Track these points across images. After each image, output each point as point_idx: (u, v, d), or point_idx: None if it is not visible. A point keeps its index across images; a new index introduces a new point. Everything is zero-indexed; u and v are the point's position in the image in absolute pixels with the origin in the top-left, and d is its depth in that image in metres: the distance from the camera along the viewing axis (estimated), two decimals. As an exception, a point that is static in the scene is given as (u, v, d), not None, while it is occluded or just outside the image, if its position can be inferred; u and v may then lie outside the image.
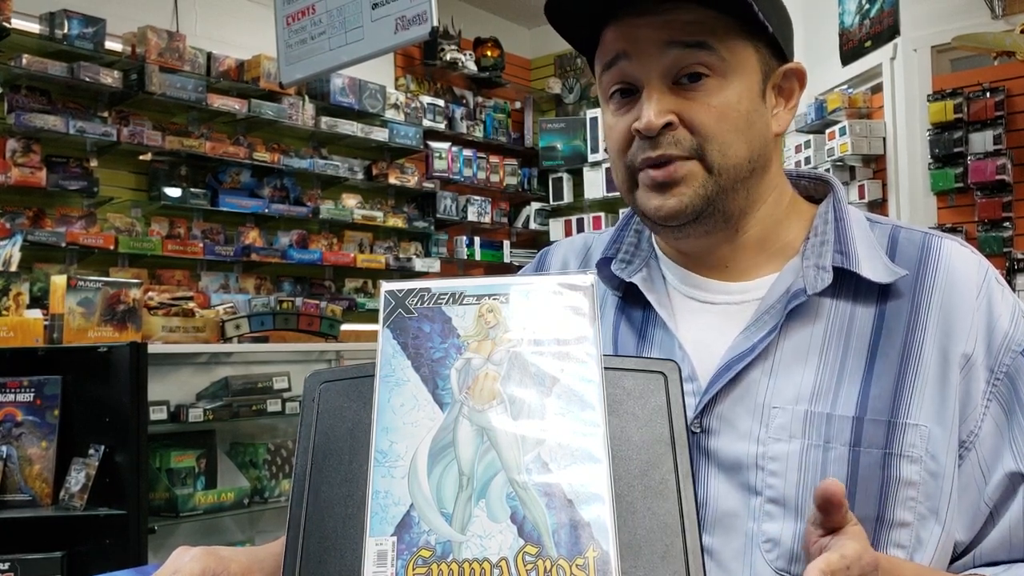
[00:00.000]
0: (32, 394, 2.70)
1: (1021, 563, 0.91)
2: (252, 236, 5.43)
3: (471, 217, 6.69)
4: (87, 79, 4.64)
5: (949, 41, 4.62)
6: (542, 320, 0.72)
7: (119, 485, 2.64)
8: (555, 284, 0.73)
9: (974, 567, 0.92)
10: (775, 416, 0.90)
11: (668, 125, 0.91)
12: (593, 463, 0.67)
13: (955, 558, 0.92)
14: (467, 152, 6.72)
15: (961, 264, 0.94)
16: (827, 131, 5.03)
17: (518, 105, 7.28)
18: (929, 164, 4.70)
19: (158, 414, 3.08)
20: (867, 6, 5.07)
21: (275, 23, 3.70)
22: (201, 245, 5.12)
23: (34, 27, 4.57)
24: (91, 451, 2.65)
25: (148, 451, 2.85)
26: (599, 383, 0.69)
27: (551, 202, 7.05)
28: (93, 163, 4.78)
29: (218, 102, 5.15)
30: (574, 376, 0.69)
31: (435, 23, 3.15)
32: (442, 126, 6.52)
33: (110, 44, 4.78)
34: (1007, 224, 4.49)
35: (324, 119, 5.70)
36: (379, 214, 6.09)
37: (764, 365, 0.91)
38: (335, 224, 5.91)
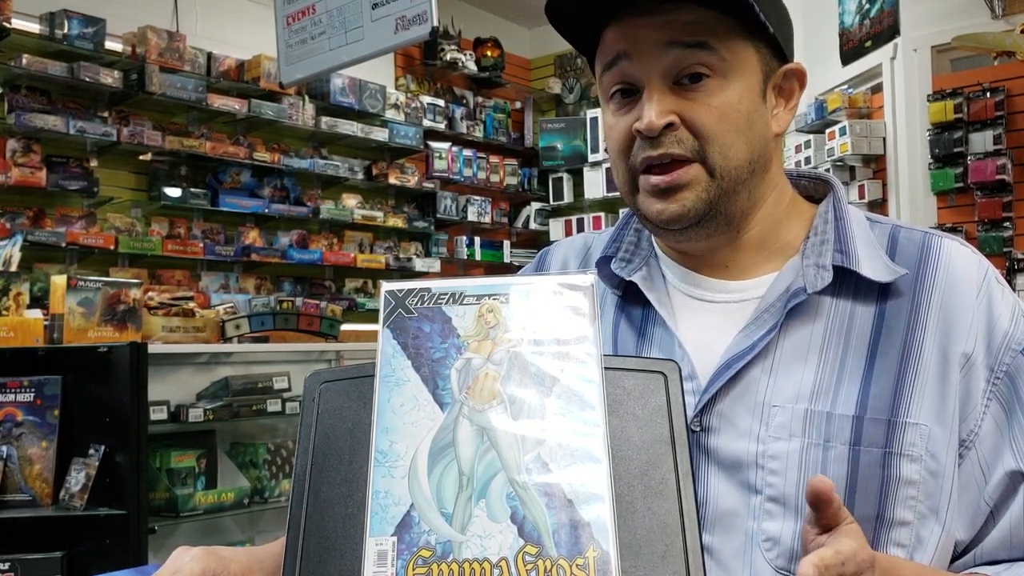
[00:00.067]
0: (32, 394, 2.70)
1: (1022, 562, 0.91)
2: (252, 236, 5.43)
3: (471, 217, 6.69)
4: (87, 79, 4.64)
5: (949, 41, 4.62)
6: (542, 320, 0.72)
7: (119, 485, 2.63)
8: (555, 284, 0.73)
9: (975, 566, 0.92)
10: (775, 415, 0.90)
11: (669, 125, 0.91)
12: (593, 463, 0.67)
13: (955, 557, 0.92)
14: (467, 152, 6.71)
15: (961, 263, 0.94)
16: (827, 131, 5.03)
17: (518, 105, 7.27)
18: (929, 164, 4.69)
19: (158, 414, 3.08)
20: (867, 6, 5.07)
21: (275, 23, 3.70)
22: (201, 245, 5.12)
23: (34, 27, 4.57)
24: (91, 451, 2.64)
25: (148, 451, 2.85)
26: (599, 383, 0.69)
27: (551, 202, 7.05)
28: (93, 163, 4.78)
29: (218, 102, 5.15)
30: (574, 376, 0.69)
31: (435, 23, 3.15)
32: (442, 126, 6.52)
33: (110, 44, 4.78)
34: (1007, 224, 4.49)
35: (324, 119, 5.70)
36: (379, 214, 6.09)
37: (764, 363, 0.91)
38: (335, 224, 5.91)
